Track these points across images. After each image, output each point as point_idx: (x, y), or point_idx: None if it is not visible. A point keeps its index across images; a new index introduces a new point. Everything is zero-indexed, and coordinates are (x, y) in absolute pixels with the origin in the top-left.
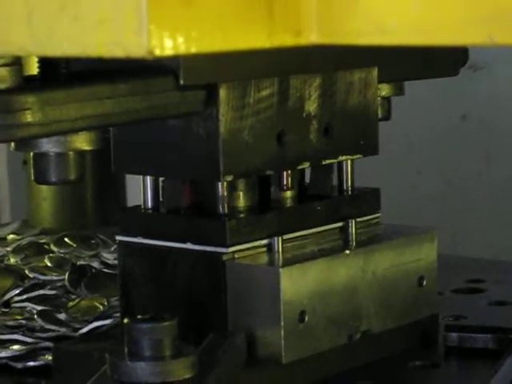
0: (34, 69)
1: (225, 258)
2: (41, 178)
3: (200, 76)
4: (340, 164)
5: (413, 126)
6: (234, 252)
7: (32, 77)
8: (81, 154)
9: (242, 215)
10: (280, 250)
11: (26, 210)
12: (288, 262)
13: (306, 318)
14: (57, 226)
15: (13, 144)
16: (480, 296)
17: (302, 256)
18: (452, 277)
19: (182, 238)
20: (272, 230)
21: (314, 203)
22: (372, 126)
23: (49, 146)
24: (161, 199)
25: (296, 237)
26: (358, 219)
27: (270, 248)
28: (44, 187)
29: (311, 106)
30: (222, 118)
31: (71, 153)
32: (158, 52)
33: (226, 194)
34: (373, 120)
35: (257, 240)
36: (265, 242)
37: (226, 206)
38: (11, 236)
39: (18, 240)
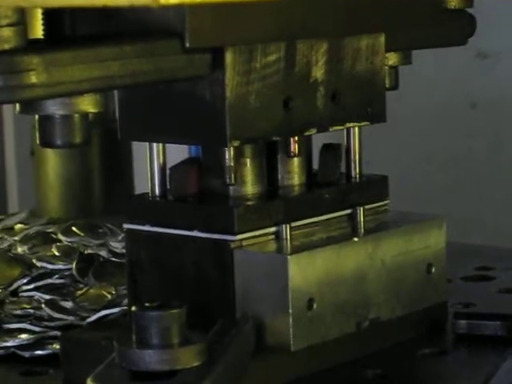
0: (39, 31)
1: (233, 245)
2: (46, 142)
3: (206, 39)
4: (348, 148)
5: (423, 114)
6: (241, 240)
7: (37, 40)
8: (86, 116)
9: (249, 203)
10: (288, 237)
11: (34, 200)
12: (296, 250)
13: (315, 306)
14: (64, 215)
15: (18, 106)
16: (489, 283)
17: (310, 243)
18: (461, 264)
19: (190, 225)
20: (280, 217)
21: (322, 190)
22: (379, 93)
23: (54, 108)
24: (168, 187)
25: (304, 224)
26: (367, 206)
27: (277, 235)
28: (51, 177)
29: (318, 72)
30: (229, 82)
31: (76, 115)
32: (163, 0)
33: (232, 164)
34: (380, 87)
35: (265, 227)
36: (273, 229)
37: (233, 176)
38: (19, 226)
39: (26, 229)
